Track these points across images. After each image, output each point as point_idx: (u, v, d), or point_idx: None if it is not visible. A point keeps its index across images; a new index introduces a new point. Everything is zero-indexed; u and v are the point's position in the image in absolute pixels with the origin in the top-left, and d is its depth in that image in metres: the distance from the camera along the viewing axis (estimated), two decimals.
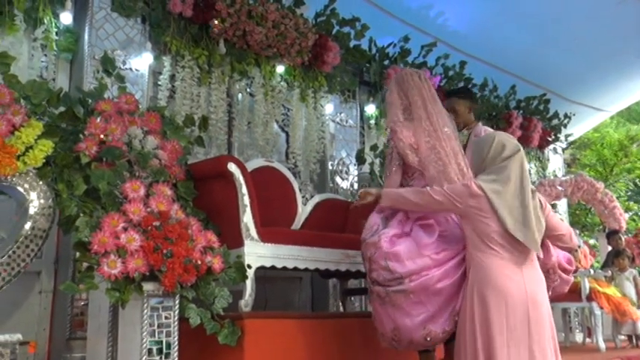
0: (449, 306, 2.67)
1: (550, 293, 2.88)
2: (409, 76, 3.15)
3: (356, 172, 5.45)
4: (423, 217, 2.85)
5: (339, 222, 4.15)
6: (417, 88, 3.11)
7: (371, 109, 5.81)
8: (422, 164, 2.95)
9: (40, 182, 2.87)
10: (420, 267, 2.69)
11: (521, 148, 2.68)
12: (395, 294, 2.71)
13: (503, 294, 2.48)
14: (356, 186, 5.41)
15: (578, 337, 6.59)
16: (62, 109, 3.13)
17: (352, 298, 4.55)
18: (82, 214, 2.82)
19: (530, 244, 2.53)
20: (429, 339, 2.68)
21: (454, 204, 2.63)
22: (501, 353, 2.43)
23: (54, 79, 3.81)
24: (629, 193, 11.55)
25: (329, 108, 5.27)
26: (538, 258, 2.75)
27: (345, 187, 5.34)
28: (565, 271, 2.98)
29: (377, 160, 5.30)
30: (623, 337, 5.95)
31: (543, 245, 2.80)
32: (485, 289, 2.50)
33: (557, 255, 2.94)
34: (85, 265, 2.69)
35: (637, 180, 11.73)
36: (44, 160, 2.83)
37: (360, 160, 5.33)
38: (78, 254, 2.77)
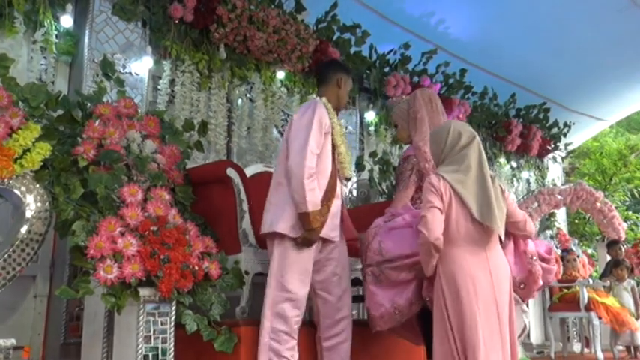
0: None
1: (541, 283, 2.92)
2: (435, 96, 3.35)
3: (355, 179, 5.44)
4: None
5: None
6: (441, 111, 3.31)
7: (371, 116, 5.81)
8: None
9: (37, 185, 2.85)
10: (403, 255, 2.85)
11: (477, 135, 2.74)
12: (389, 270, 2.88)
13: (472, 279, 2.52)
14: (355, 193, 5.39)
15: (576, 347, 6.56)
16: (61, 112, 3.12)
17: None
18: (78, 218, 2.80)
19: (495, 226, 2.56)
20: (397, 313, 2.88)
21: (435, 209, 2.58)
22: (474, 334, 2.45)
23: (53, 82, 3.80)
24: (627, 203, 11.53)
25: None
26: (519, 247, 2.86)
27: (344, 194, 5.31)
28: (544, 260, 2.98)
29: (376, 167, 5.28)
30: (621, 347, 5.92)
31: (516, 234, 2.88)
32: (454, 275, 2.54)
33: (536, 244, 2.99)
34: (81, 269, 2.68)
35: (635, 189, 11.72)
36: (41, 163, 2.82)
37: (360, 167, 5.32)
38: (74, 258, 2.75)
